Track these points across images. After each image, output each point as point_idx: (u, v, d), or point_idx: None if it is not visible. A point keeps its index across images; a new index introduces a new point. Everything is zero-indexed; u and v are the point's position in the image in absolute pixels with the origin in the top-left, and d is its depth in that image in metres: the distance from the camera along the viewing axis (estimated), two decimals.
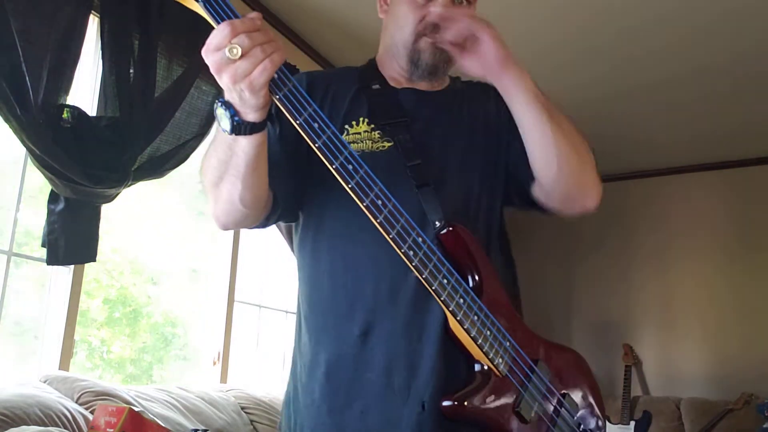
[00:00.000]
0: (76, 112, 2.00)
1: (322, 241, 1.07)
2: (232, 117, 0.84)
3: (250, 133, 0.86)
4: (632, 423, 3.98)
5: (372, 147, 1.05)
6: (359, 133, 1.07)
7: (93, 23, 2.21)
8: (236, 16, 0.81)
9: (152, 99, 2.28)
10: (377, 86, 1.13)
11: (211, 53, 0.80)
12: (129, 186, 2.17)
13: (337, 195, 0.92)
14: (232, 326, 2.87)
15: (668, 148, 4.52)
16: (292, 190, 1.06)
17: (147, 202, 2.83)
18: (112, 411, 1.71)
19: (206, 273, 3.01)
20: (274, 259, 3.35)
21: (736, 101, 3.76)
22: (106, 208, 2.14)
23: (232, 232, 2.93)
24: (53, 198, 1.99)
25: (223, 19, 0.80)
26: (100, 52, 2.18)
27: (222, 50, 0.79)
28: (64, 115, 1.96)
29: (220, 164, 0.92)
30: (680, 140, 4.37)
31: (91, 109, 2.19)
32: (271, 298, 3.32)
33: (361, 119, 1.08)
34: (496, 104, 1.14)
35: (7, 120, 1.81)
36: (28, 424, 1.58)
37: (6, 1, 1.80)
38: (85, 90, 2.27)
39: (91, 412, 1.80)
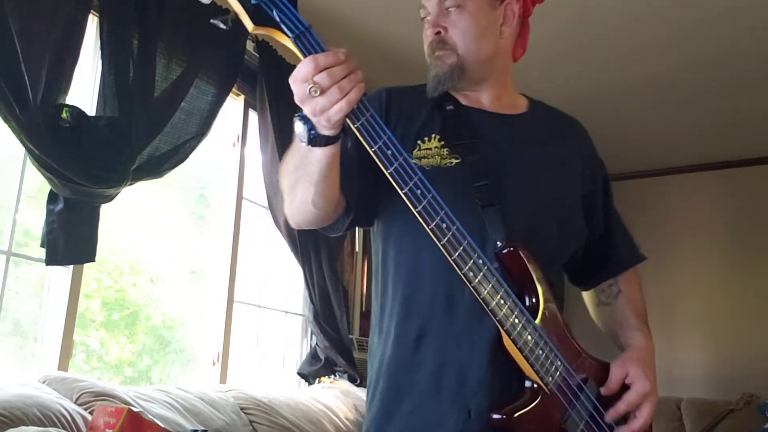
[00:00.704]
0: (76, 111, 1.99)
1: (390, 249, 1.14)
2: (309, 131, 0.91)
3: (325, 145, 0.93)
4: None
5: (441, 162, 1.11)
6: (430, 149, 1.12)
7: (92, 23, 2.21)
8: (324, 50, 0.88)
9: (151, 99, 2.28)
10: (451, 106, 1.19)
11: (296, 84, 0.88)
12: (128, 186, 2.17)
13: (406, 208, 0.97)
14: (232, 326, 2.87)
15: (667, 148, 4.52)
16: (365, 197, 1.12)
17: (146, 202, 2.83)
18: (111, 411, 1.71)
19: (206, 273, 3.00)
20: (274, 259, 3.35)
21: (735, 101, 3.76)
22: (105, 209, 2.13)
23: (231, 232, 2.94)
24: (52, 198, 1.99)
25: (311, 53, 0.87)
26: (99, 52, 2.18)
27: (305, 84, 0.86)
28: (64, 115, 1.96)
29: (295, 169, 1.01)
30: (679, 140, 4.37)
31: (90, 108, 2.19)
32: (271, 298, 3.31)
33: (433, 136, 1.14)
34: (593, 168, 1.27)
35: (6, 120, 1.80)
36: (27, 425, 1.58)
37: (6, 0, 1.80)
38: (84, 90, 2.27)
39: (90, 413, 1.79)
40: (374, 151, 0.93)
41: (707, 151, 4.51)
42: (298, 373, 3.28)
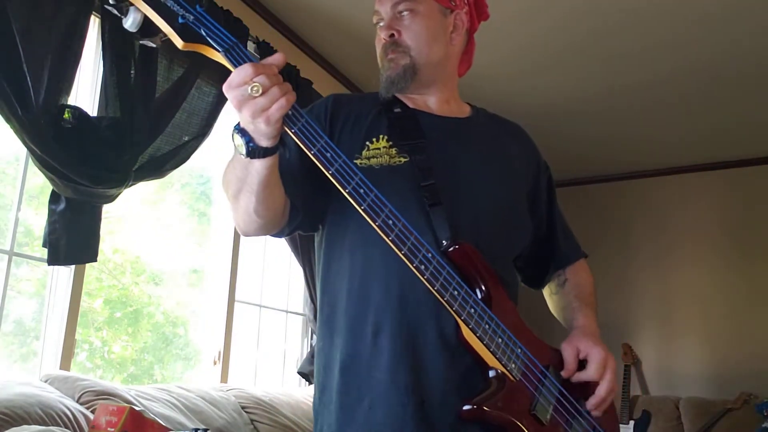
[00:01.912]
0: (77, 112, 2.00)
1: (344, 250, 1.14)
2: (247, 143, 0.93)
3: (263, 156, 0.95)
4: (631, 422, 3.99)
5: (390, 161, 1.14)
6: (378, 149, 1.15)
7: (94, 24, 2.22)
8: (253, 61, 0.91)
9: (153, 99, 2.28)
10: (398, 109, 1.21)
11: (233, 89, 0.90)
12: (130, 186, 2.18)
13: (355, 210, 0.98)
14: (233, 326, 2.88)
15: (667, 148, 4.52)
16: (310, 201, 1.14)
17: (148, 202, 2.84)
18: (113, 410, 1.72)
19: (207, 273, 3.01)
20: (274, 259, 3.36)
21: (735, 101, 3.76)
22: (107, 209, 2.14)
23: (232, 232, 2.95)
24: (54, 198, 1.99)
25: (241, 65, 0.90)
26: (101, 53, 2.18)
27: (243, 87, 0.89)
28: (66, 116, 1.96)
29: (237, 180, 1.02)
30: (677, 140, 4.37)
31: (92, 109, 2.20)
32: (271, 298, 3.32)
33: (381, 136, 1.16)
34: (537, 170, 1.31)
35: (8, 120, 1.81)
36: (29, 424, 1.59)
37: (7, 1, 1.81)
38: (86, 90, 2.27)
39: (92, 412, 1.80)
40: (314, 154, 0.95)
41: (707, 151, 4.51)
42: (299, 373, 3.28)
